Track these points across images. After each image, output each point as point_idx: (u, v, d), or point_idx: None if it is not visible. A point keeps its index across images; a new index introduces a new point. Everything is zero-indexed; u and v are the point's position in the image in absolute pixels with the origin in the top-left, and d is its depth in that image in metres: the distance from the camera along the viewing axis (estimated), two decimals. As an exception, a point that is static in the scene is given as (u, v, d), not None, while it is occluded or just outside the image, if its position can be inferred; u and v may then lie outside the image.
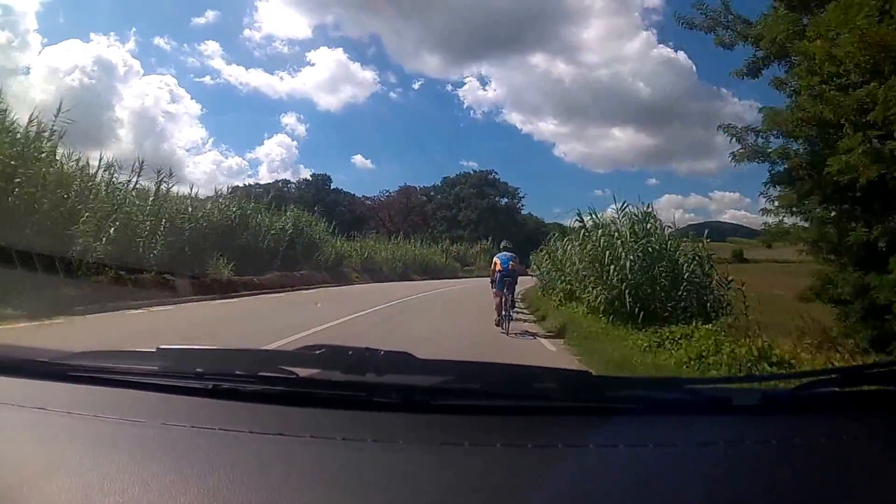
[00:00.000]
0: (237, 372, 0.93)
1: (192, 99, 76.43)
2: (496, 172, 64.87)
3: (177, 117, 68.88)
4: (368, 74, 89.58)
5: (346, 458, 0.69)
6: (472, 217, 63.75)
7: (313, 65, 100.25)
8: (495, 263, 8.53)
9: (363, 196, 60.62)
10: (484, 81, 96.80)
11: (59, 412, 0.83)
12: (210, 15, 72.72)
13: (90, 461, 0.68)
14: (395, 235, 35.65)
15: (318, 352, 0.96)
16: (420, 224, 54.42)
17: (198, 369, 0.92)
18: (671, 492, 0.65)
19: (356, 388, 0.87)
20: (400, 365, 0.92)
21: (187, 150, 61.61)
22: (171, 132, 68.60)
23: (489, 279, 9.01)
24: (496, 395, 0.91)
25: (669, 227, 9.06)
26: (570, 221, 11.47)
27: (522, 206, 69.73)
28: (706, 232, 9.17)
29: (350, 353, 0.91)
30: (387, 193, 63.22)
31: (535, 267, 17.28)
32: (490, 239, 55.68)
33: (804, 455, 0.75)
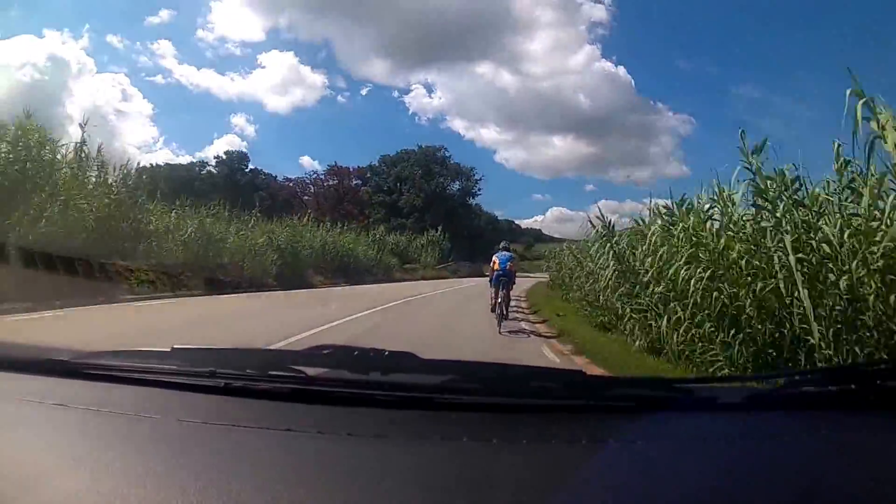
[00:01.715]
0: (248, 371, 1.01)
1: (143, 98, 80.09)
2: (446, 149, 51.64)
3: (129, 116, 70.53)
4: (318, 78, 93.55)
5: (351, 453, 0.76)
6: (416, 203, 50.89)
7: (264, 67, 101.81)
8: (493, 262, 8.93)
9: (285, 178, 55.18)
10: (430, 89, 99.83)
11: (78, 408, 0.90)
12: (164, 14, 72.63)
13: (107, 455, 0.75)
14: (323, 225, 28.99)
15: (325, 352, 1.04)
16: (355, 213, 48.99)
17: (211, 368, 0.98)
18: (659, 486, 0.71)
19: (362, 387, 0.95)
20: (403, 364, 1.01)
21: (138, 148, 59.20)
22: (123, 130, 66.85)
23: (487, 279, 9.54)
24: (495, 393, 0.98)
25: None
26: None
27: (479, 190, 62.19)
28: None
29: (356, 353, 1.00)
30: (314, 175, 56.31)
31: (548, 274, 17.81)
32: (440, 230, 49.93)
33: (789, 451, 0.81)
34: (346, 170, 56.70)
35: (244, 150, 54.96)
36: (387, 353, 1.00)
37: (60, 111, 51.93)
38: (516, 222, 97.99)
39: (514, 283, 9.01)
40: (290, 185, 51.89)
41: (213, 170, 50.30)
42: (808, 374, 1.10)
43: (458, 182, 57.02)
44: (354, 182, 54.98)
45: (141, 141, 63.47)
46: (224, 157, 51.04)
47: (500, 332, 7.63)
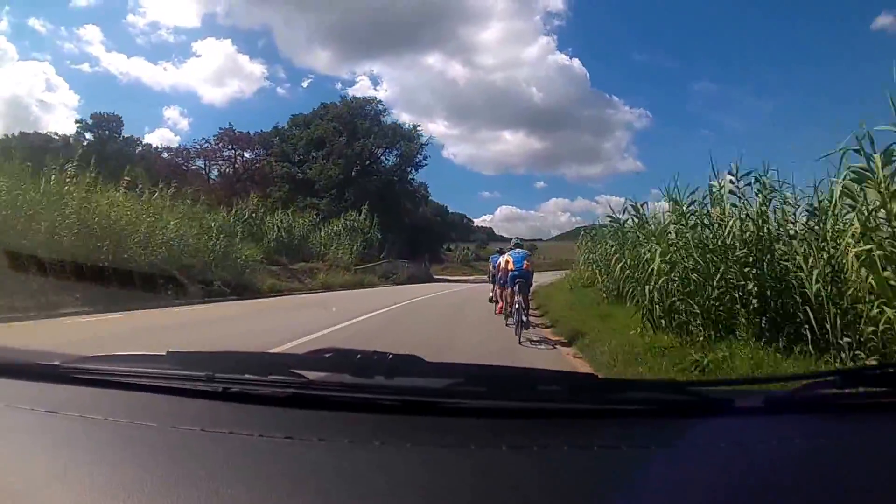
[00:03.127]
0: (247, 375, 1.05)
1: (70, 89, 68.16)
2: (382, 103, 33.10)
3: (53, 108, 65.08)
4: (257, 68, 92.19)
5: (354, 460, 0.80)
6: (331, 174, 28.98)
7: (199, 56, 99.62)
8: (507, 262, 8.52)
9: (163, 147, 46.38)
10: (376, 81, 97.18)
11: (69, 415, 0.93)
12: (86, -9, 57.74)
13: (101, 463, 0.80)
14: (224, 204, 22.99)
15: (327, 355, 1.09)
16: (259, 187, 37.32)
17: (208, 372, 1.03)
18: (673, 493, 0.74)
19: (365, 391, 1.00)
20: (408, 368, 1.04)
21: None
22: (47, 124, 58.57)
23: (487, 279, 9.87)
24: (502, 398, 1.02)
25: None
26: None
27: (425, 162, 47.13)
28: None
29: (359, 356, 1.04)
30: (204, 143, 43.01)
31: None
32: (364, 213, 34.84)
33: (806, 456, 0.84)
34: (246, 136, 44.85)
35: (177, 144, 48.24)
36: (391, 356, 1.03)
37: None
38: (468, 217, 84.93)
39: (532, 284, 8.72)
40: (170, 155, 42.65)
41: (88, 137, 42.11)
42: (826, 375, 1.10)
43: (395, 151, 38.29)
44: (256, 152, 44.10)
45: (67, 133, 50.81)
46: (90, 121, 42.75)
47: (520, 343, 7.10)
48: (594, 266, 14.37)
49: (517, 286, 7.80)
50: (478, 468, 0.78)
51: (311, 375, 1.02)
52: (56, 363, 1.13)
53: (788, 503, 0.71)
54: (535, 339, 7.70)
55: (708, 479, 0.77)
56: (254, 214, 23.67)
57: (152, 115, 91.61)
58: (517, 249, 8.56)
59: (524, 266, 8.09)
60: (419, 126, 43.15)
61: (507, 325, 8.56)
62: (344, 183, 38.48)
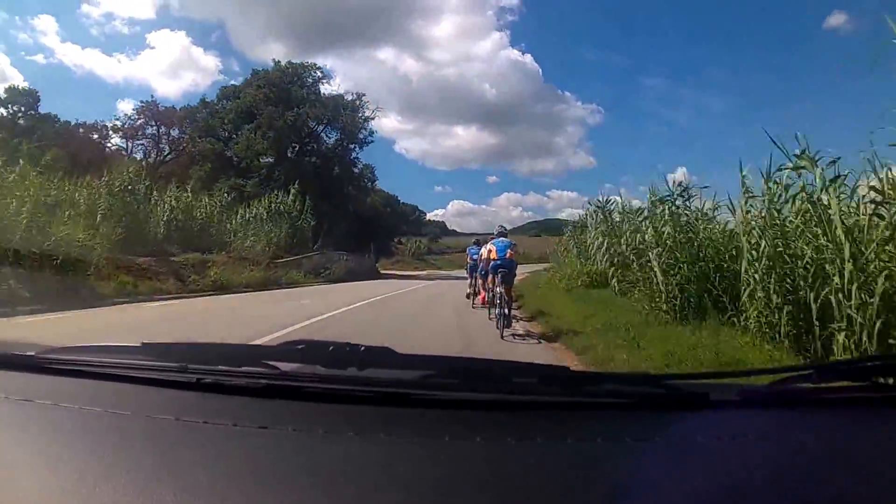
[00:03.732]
0: (221, 366, 1.08)
1: (24, 81, 65.58)
2: (322, 70, 26.30)
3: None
4: (211, 61, 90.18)
5: (327, 451, 0.82)
6: (258, 149, 21.41)
7: (154, 48, 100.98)
8: (490, 251, 8.33)
9: (79, 122, 37.06)
10: (328, 75, 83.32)
11: (44, 404, 0.96)
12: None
13: (75, 453, 0.82)
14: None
15: (300, 346, 1.11)
16: (186, 170, 32.46)
17: (182, 363, 1.06)
18: (648, 486, 0.75)
19: (338, 382, 1.02)
20: (381, 360, 1.08)
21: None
22: None
23: (465, 269, 10.17)
24: (476, 390, 1.04)
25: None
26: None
27: (370, 139, 40.45)
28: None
29: (331, 348, 1.07)
30: (126, 121, 36.89)
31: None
32: (293, 195, 28.88)
33: (781, 449, 0.87)
34: (170, 111, 38.67)
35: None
36: (363, 348, 1.06)
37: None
38: (420, 209, 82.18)
39: (516, 275, 8.61)
40: (82, 131, 35.93)
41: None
42: (801, 370, 1.13)
43: (336, 126, 32.27)
44: (183, 130, 37.56)
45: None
46: (4, 95, 35.94)
47: (502, 338, 7.09)
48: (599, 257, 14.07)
49: (500, 276, 7.70)
50: (452, 460, 0.80)
51: (284, 366, 1.06)
52: (31, 353, 1.16)
53: (765, 498, 0.73)
54: (519, 332, 7.81)
55: (684, 473, 0.79)
56: (129, 188, 17.70)
57: (106, 108, 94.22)
58: (501, 238, 8.30)
59: (507, 255, 7.92)
60: (364, 96, 38.86)
61: (489, 318, 8.52)
62: (275, 161, 33.09)
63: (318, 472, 0.75)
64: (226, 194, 27.51)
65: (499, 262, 7.83)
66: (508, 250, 7.95)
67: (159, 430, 0.88)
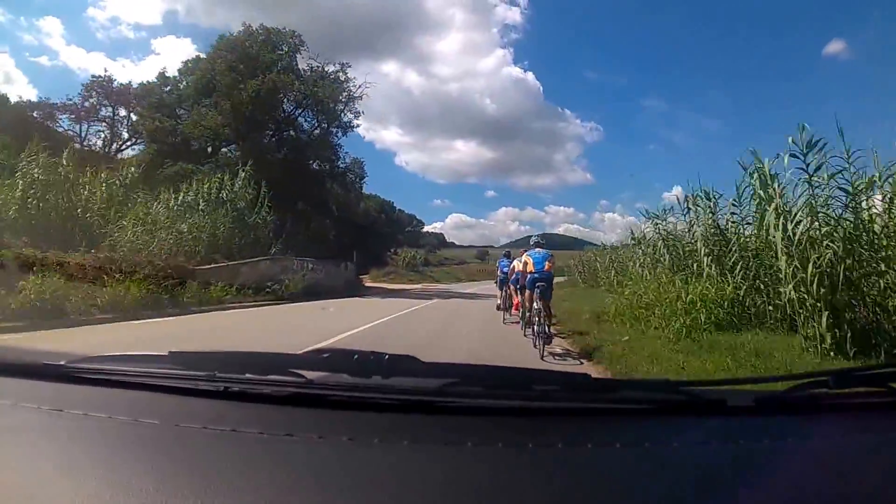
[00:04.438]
0: (248, 374, 1.11)
1: (29, 83, 55.08)
2: (300, 37, 17.39)
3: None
4: None
5: (353, 459, 0.84)
6: (213, 124, 11.05)
7: (159, 54, 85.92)
8: (526, 263, 7.71)
9: (23, 100, 33.19)
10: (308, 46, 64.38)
11: (74, 413, 0.99)
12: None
13: (105, 461, 0.86)
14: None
15: (325, 355, 1.13)
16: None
17: (209, 372, 1.10)
18: (666, 491, 0.77)
19: (363, 390, 1.06)
20: (405, 368, 1.10)
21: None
22: None
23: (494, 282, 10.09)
24: (499, 397, 1.08)
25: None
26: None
27: (357, 123, 32.53)
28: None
29: (356, 356, 1.09)
30: (79, 99, 31.57)
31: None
32: (243, 179, 22.01)
33: (798, 455, 0.89)
34: (126, 87, 31.76)
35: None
36: (387, 356, 1.09)
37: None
38: (419, 218, 77.85)
39: (552, 290, 8.38)
40: (23, 108, 30.72)
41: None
42: (817, 376, 1.08)
43: (313, 108, 24.55)
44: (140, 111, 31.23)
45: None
46: None
47: (542, 359, 6.60)
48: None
49: (538, 290, 7.27)
50: (475, 466, 0.83)
51: (311, 375, 1.09)
52: (61, 363, 1.19)
53: (781, 501, 0.76)
54: (559, 352, 7.33)
55: (700, 477, 0.82)
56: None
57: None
58: (537, 249, 7.70)
59: (545, 267, 7.36)
60: (349, 67, 31.16)
61: (525, 335, 8.22)
62: (236, 142, 26.32)
63: (345, 479, 0.78)
64: (171, 183, 20.92)
65: (536, 275, 7.24)
66: (546, 262, 7.34)
67: (188, 438, 0.91)
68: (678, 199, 9.86)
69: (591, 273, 28.01)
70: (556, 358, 6.43)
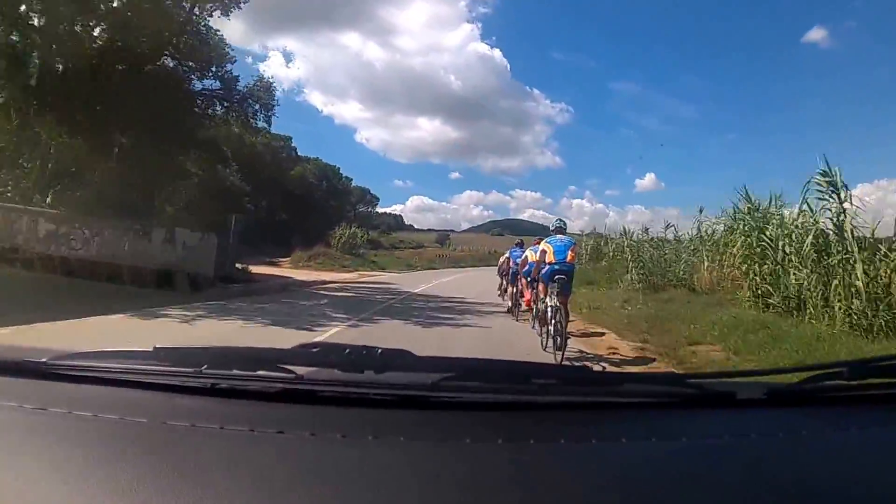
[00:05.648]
0: (235, 370, 1.10)
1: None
2: None
3: None
4: None
5: (346, 456, 0.84)
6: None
7: None
8: (544, 251, 6.64)
9: None
10: (289, 57, 72.61)
11: (59, 412, 0.97)
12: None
13: (92, 459, 0.85)
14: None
15: (315, 350, 1.15)
16: None
17: (196, 368, 1.07)
18: (675, 486, 0.78)
19: (355, 386, 1.05)
20: (398, 362, 1.09)
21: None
22: None
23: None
24: (497, 391, 1.08)
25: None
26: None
27: (230, 56, 17.48)
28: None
29: (347, 350, 1.09)
30: None
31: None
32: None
33: (810, 448, 0.90)
34: None
35: None
36: (380, 350, 1.08)
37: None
38: (374, 193, 67.46)
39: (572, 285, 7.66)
40: None
41: None
42: (831, 367, 1.09)
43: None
44: None
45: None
46: None
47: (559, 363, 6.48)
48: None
49: (557, 284, 6.26)
50: (473, 462, 0.83)
51: (301, 370, 1.07)
52: (43, 360, 1.16)
53: (795, 496, 0.76)
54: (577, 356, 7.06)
55: (708, 472, 0.82)
56: None
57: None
58: (559, 236, 6.76)
59: (568, 258, 6.38)
60: None
61: (539, 333, 7.17)
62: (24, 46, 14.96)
63: (337, 476, 0.77)
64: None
65: (557, 265, 6.27)
66: (569, 251, 6.40)
67: (176, 436, 0.90)
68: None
69: (606, 271, 19.31)
70: (575, 363, 5.81)
